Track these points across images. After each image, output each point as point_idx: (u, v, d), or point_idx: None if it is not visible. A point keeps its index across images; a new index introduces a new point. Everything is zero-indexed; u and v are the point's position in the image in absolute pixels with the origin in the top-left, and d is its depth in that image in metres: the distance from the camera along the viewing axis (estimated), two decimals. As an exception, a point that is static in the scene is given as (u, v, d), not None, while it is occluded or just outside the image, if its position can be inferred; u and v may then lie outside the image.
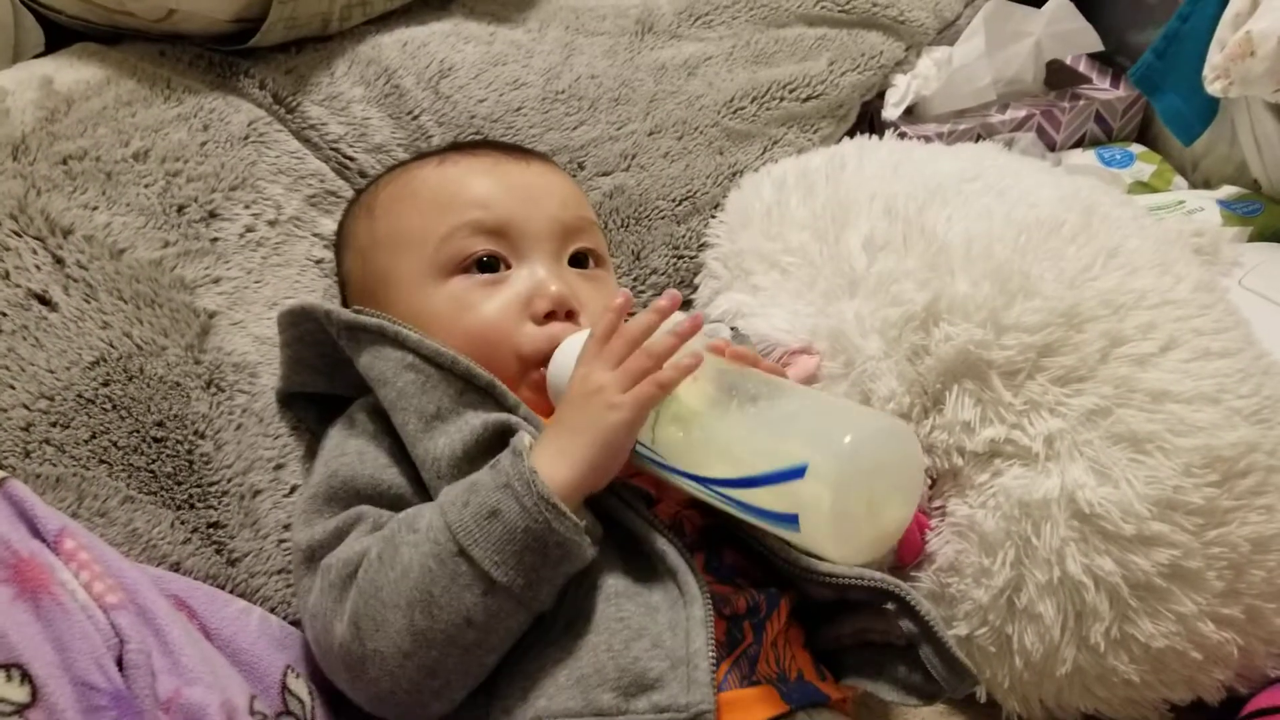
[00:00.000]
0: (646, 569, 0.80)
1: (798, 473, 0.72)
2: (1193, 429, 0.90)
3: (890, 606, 0.82)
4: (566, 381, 0.81)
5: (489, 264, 0.90)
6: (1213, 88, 1.18)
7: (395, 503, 0.83)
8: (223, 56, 1.06)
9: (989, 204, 1.01)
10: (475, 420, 0.81)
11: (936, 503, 0.98)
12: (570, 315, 0.90)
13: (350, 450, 0.85)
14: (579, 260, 0.95)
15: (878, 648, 0.85)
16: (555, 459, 0.75)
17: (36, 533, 0.71)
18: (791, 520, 0.74)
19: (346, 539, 0.80)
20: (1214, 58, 1.18)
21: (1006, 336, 0.93)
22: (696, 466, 0.78)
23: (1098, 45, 1.40)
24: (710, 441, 0.78)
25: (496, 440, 0.81)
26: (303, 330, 0.90)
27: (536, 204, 0.93)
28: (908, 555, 0.98)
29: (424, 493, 0.83)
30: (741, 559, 0.85)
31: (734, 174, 1.19)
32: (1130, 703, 0.93)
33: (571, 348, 0.85)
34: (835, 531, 0.74)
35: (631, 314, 0.82)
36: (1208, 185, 1.37)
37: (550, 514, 0.72)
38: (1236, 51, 1.13)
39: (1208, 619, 0.89)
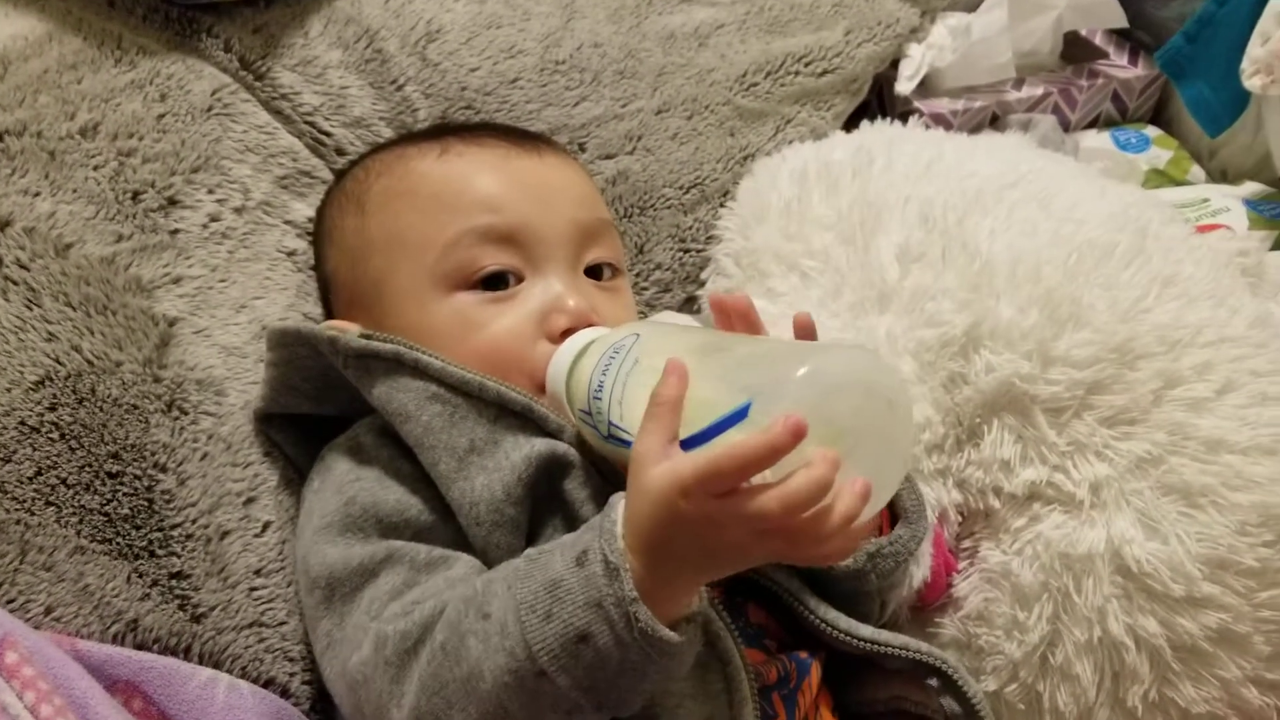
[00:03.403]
0: None
1: (738, 416, 0.61)
2: (1249, 483, 0.85)
3: (933, 682, 0.76)
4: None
5: (498, 279, 0.80)
6: (1250, 82, 1.13)
7: (424, 534, 0.74)
8: (181, 10, 0.93)
9: (1033, 217, 0.95)
10: (516, 454, 0.72)
11: (966, 544, 0.92)
12: None
13: (368, 476, 0.75)
14: (595, 272, 0.85)
15: (911, 717, 0.81)
16: (659, 585, 0.62)
17: (-26, 643, 0.60)
18: None
19: (380, 578, 0.70)
20: (1254, 50, 1.13)
21: (1053, 370, 0.88)
22: None
23: (1122, 20, 1.33)
24: None
25: (542, 476, 0.72)
26: (293, 353, 0.79)
27: (552, 205, 0.83)
28: (931, 595, 0.91)
29: (455, 522, 0.74)
30: (766, 616, 0.79)
31: (745, 158, 1.10)
32: (1162, 765, 0.89)
33: (573, 346, 0.76)
34: None
35: None
36: (1225, 175, 1.33)
37: (654, 650, 0.61)
38: (1283, 48, 1.06)
39: (1251, 684, 0.86)
